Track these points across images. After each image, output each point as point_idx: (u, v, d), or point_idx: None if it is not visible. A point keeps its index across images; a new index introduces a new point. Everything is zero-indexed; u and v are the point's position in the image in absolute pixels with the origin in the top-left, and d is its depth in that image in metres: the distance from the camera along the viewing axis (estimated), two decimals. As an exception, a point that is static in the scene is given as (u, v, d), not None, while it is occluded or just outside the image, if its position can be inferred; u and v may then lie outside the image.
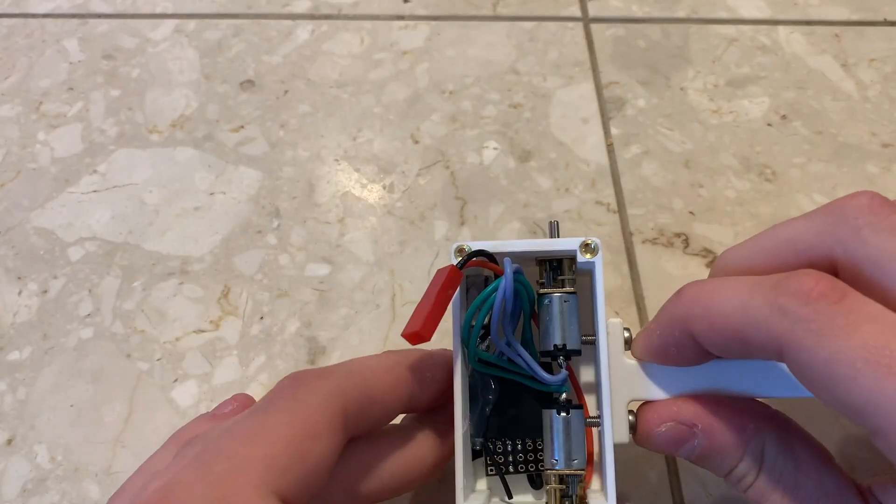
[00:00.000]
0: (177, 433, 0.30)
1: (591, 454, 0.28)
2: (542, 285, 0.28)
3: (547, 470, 0.27)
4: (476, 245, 0.27)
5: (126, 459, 0.32)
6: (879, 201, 0.23)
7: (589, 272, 0.29)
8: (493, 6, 0.53)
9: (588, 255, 0.27)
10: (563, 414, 0.27)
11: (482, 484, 0.29)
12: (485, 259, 0.27)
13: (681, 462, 0.32)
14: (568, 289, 0.28)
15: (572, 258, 0.28)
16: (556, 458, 0.26)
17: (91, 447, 0.33)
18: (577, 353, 0.27)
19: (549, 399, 0.28)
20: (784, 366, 0.24)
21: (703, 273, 0.38)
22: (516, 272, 0.26)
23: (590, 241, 0.27)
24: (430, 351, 0.28)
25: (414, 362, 0.27)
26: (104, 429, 0.33)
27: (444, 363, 0.28)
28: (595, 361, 0.28)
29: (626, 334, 0.28)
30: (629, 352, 0.28)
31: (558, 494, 0.26)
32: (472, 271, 0.29)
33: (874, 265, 0.22)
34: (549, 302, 0.27)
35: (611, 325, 0.28)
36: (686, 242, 0.39)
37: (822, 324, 0.20)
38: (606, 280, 0.37)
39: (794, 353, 0.21)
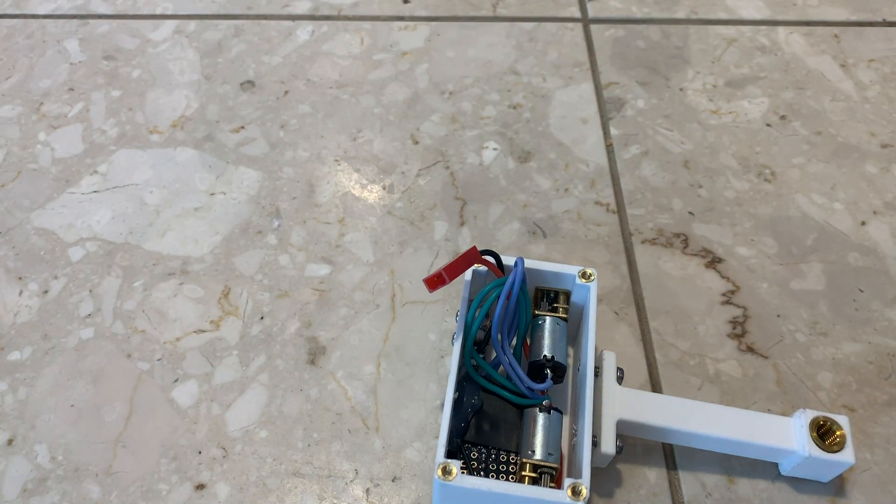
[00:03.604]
0: None
1: (562, 457, 0.30)
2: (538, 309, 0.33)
3: (523, 460, 0.28)
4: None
5: (126, 459, 0.32)
6: None
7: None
8: (493, 7, 0.53)
9: (584, 280, 0.32)
10: (546, 413, 0.29)
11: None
12: (492, 260, 0.31)
13: (680, 462, 0.32)
14: (562, 315, 0.32)
15: (567, 293, 0.33)
16: (534, 450, 0.28)
17: (91, 447, 0.33)
18: (563, 368, 0.30)
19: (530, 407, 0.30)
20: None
21: (703, 273, 0.38)
22: (522, 282, 0.30)
23: (588, 271, 0.32)
24: None
25: None
26: (104, 429, 0.33)
27: None
28: (581, 379, 0.30)
29: (619, 373, 0.31)
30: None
31: (528, 482, 0.27)
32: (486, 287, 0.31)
33: None
34: (543, 322, 0.31)
35: (606, 355, 0.31)
36: (685, 242, 0.39)
37: None
38: (605, 280, 0.37)
39: None
